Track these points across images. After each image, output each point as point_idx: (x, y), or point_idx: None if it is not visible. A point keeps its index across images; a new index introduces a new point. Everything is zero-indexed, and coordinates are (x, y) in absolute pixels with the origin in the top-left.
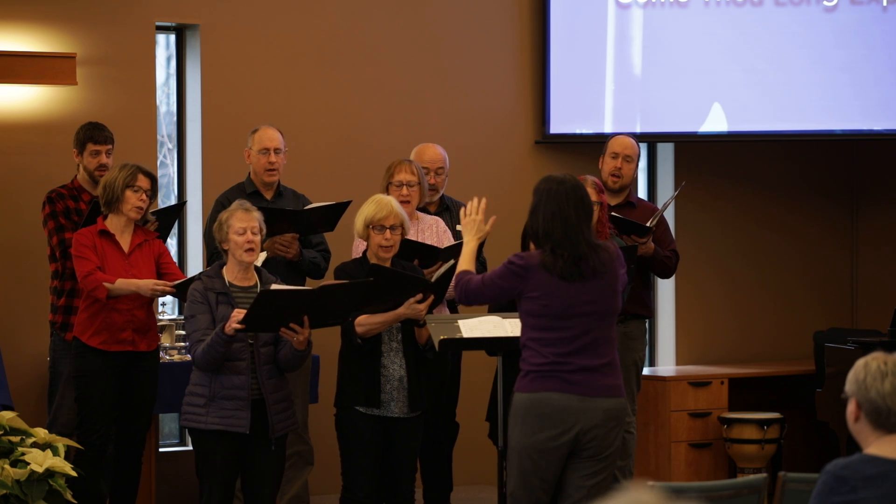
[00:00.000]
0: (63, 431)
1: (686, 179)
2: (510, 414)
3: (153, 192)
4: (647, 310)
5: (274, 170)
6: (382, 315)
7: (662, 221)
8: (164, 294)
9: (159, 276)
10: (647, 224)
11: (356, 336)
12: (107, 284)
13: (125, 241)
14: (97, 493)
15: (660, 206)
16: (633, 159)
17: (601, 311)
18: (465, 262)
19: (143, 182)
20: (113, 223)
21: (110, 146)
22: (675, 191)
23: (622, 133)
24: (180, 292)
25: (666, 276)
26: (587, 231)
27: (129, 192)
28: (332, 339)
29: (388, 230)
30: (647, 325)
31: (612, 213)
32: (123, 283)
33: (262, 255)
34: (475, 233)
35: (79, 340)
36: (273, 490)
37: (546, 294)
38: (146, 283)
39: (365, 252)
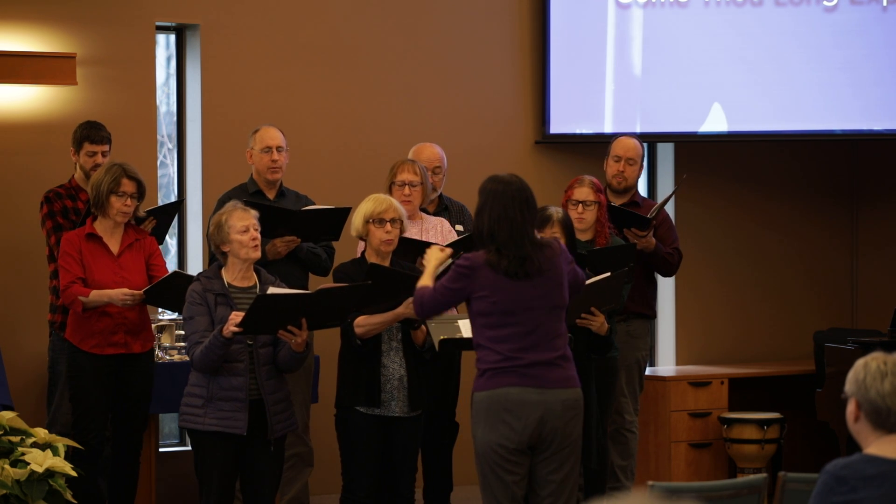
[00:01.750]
0: (63, 431)
1: (686, 179)
2: (472, 415)
3: (140, 194)
4: (651, 309)
5: (277, 168)
6: (381, 315)
7: (667, 219)
8: (134, 302)
9: (148, 277)
10: (648, 216)
11: (355, 337)
12: (81, 298)
13: (114, 243)
14: (95, 493)
15: (661, 202)
16: (636, 161)
17: (550, 306)
18: (424, 279)
19: (127, 187)
20: (101, 225)
21: (107, 147)
22: (677, 184)
23: (625, 133)
24: (154, 296)
25: (668, 273)
26: (531, 231)
27: (113, 198)
28: (332, 340)
29: (388, 223)
30: (651, 324)
31: (613, 205)
32: (96, 295)
33: None
34: (437, 262)
35: (70, 343)
36: (272, 491)
37: (494, 291)
38: (117, 293)
39: (363, 252)
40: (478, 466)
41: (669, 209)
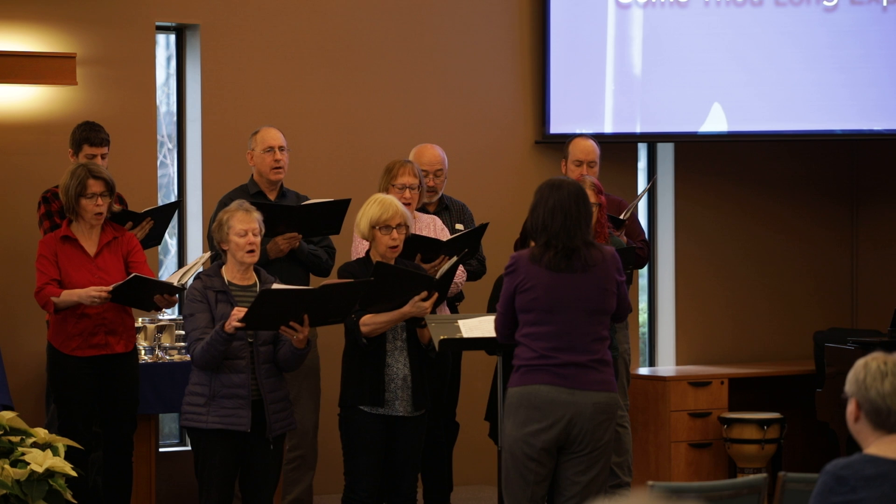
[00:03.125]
0: None
1: (686, 179)
2: (504, 410)
3: (110, 191)
4: None
5: (280, 167)
6: (387, 314)
7: (632, 214)
8: (102, 301)
9: (127, 274)
10: (621, 217)
11: (361, 336)
12: (53, 299)
13: (91, 244)
14: (97, 493)
15: (634, 201)
16: (596, 163)
17: (591, 308)
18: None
19: (94, 187)
20: (77, 227)
21: (106, 149)
22: (647, 185)
23: (580, 135)
24: (120, 296)
25: (640, 266)
26: (586, 228)
27: (83, 201)
28: (333, 340)
29: (394, 230)
30: (627, 320)
31: None
32: (66, 295)
33: None
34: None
35: (51, 345)
36: (271, 490)
37: (534, 286)
38: (84, 292)
39: (368, 252)
40: (502, 461)
41: (668, 209)
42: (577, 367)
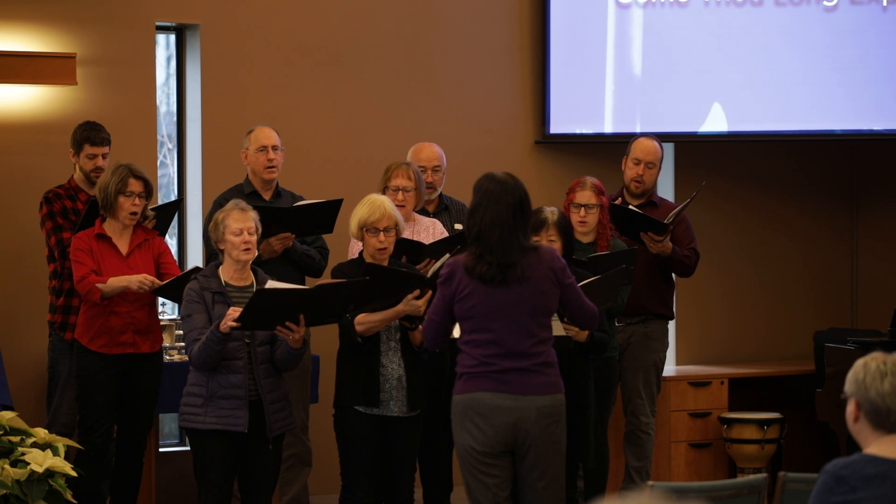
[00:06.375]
0: (63, 431)
1: (686, 179)
2: (451, 418)
3: (147, 193)
4: (668, 310)
5: (273, 167)
6: (382, 312)
7: (684, 220)
8: (151, 287)
9: (158, 276)
10: (665, 221)
11: (356, 335)
12: (99, 286)
13: (123, 243)
14: (97, 493)
15: (678, 207)
16: (655, 165)
17: (530, 312)
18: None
19: (134, 186)
20: (111, 226)
21: (107, 149)
22: (696, 191)
23: (645, 134)
24: (169, 291)
25: (685, 274)
26: (523, 236)
27: (121, 199)
28: (332, 339)
29: (381, 232)
30: (668, 325)
31: (631, 207)
32: (115, 281)
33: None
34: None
35: (79, 343)
36: (270, 490)
37: (470, 295)
38: (134, 278)
39: (361, 253)
40: (460, 467)
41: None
42: (519, 373)
